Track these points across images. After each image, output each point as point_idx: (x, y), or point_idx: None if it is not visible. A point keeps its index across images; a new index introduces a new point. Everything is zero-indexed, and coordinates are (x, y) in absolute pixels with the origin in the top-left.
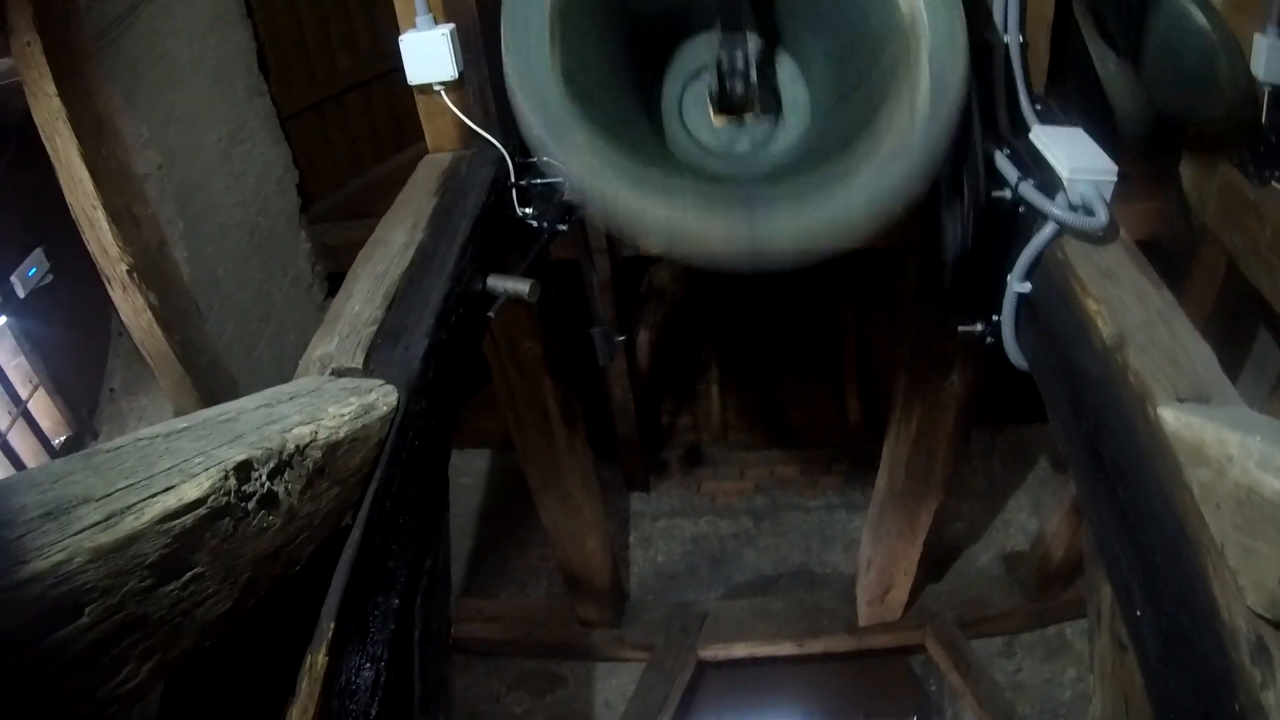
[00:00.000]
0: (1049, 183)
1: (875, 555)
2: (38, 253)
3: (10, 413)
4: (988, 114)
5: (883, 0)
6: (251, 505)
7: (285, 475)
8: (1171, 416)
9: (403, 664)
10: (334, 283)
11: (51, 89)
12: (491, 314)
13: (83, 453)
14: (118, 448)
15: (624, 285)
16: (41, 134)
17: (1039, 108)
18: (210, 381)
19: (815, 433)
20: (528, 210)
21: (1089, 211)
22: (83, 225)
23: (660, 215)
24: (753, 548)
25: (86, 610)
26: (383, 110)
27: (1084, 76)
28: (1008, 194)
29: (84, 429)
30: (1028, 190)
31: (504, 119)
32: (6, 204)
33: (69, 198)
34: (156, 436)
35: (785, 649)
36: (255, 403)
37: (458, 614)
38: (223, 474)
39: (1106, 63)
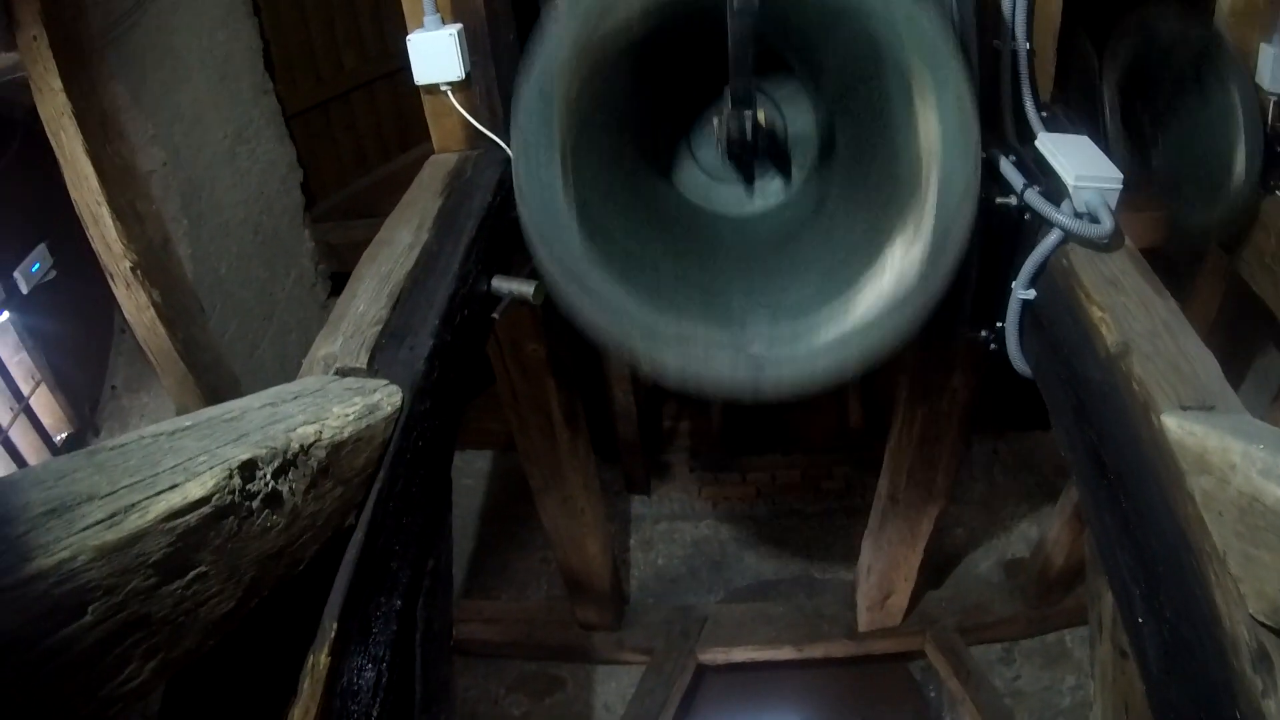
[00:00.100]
0: (1054, 190)
1: (876, 561)
2: (41, 248)
3: (12, 409)
4: (994, 120)
5: (905, 118)
6: (255, 504)
7: (289, 475)
8: (1174, 424)
9: (405, 665)
10: (337, 282)
11: (57, 84)
12: (496, 315)
13: (87, 450)
14: (122, 445)
15: None
16: (47, 130)
17: (1044, 115)
18: (213, 380)
19: (817, 437)
20: None
21: (1094, 219)
22: (87, 221)
23: (672, 365)
24: (753, 552)
25: (90, 609)
26: (388, 110)
27: None
28: (1013, 200)
29: (86, 426)
30: (1033, 197)
31: (510, 120)
32: (11, 199)
33: (73, 194)
34: (161, 434)
35: (785, 653)
36: (260, 401)
37: (457, 615)
38: (227, 473)
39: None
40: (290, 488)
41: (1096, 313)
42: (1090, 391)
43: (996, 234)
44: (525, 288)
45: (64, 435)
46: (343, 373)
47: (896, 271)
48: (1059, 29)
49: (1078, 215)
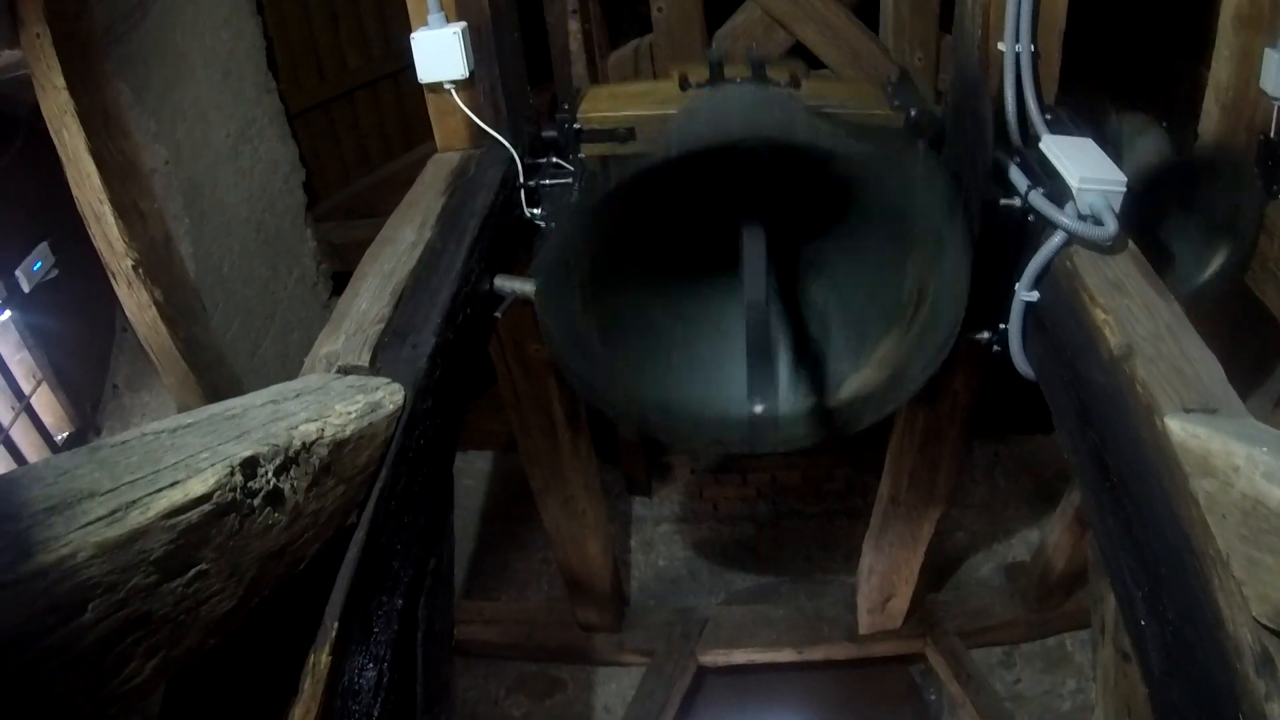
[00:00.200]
0: (1058, 192)
1: (876, 563)
2: (43, 247)
3: (13, 408)
4: (998, 122)
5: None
6: (257, 502)
7: (291, 472)
8: (1178, 427)
9: (406, 665)
10: (339, 281)
11: (60, 82)
12: (498, 314)
13: (88, 447)
14: (123, 442)
15: None
16: (49, 127)
17: (1049, 117)
18: (214, 379)
19: None
20: (536, 211)
21: (1098, 221)
22: (89, 220)
23: (684, 437)
24: (754, 554)
25: (90, 606)
26: (391, 109)
27: None
28: (1017, 202)
29: (87, 425)
30: (1037, 199)
31: (514, 119)
32: (13, 197)
33: (76, 192)
34: (162, 431)
35: (785, 655)
36: (261, 399)
37: (458, 616)
38: (229, 470)
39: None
40: (292, 485)
41: (1100, 315)
42: (1093, 394)
43: (1000, 235)
44: (528, 287)
45: (65, 434)
46: (345, 371)
47: (879, 373)
48: (1063, 31)
49: (1081, 217)
